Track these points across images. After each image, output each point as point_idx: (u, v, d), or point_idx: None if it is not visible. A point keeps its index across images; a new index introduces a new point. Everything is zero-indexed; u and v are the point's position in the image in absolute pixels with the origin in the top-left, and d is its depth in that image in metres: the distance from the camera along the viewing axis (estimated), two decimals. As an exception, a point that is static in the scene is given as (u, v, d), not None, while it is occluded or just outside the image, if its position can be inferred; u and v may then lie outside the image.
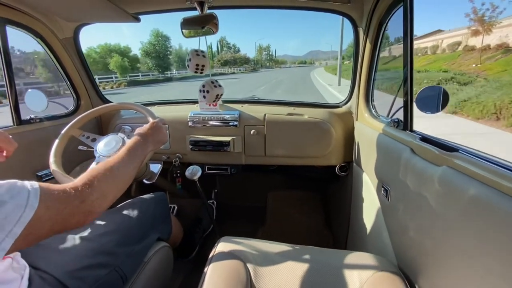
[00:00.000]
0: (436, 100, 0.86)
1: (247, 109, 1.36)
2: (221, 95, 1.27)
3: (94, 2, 0.89)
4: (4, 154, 0.78)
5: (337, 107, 1.35)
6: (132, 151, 0.69)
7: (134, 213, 0.99)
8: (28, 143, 1.10)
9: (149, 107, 1.11)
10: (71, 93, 1.37)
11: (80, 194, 0.50)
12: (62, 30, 1.21)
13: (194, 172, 1.05)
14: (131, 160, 0.67)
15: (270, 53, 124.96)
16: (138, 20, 1.04)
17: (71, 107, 1.38)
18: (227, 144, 1.30)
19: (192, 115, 1.34)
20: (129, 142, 0.74)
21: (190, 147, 1.33)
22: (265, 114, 1.30)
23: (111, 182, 0.58)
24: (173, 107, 1.47)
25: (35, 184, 0.44)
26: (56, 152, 0.96)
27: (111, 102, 1.51)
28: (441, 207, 0.59)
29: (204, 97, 1.23)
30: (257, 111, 1.34)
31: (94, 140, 1.05)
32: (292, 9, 1.18)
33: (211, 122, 1.33)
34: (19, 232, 0.39)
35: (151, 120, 0.98)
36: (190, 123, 1.34)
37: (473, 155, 0.55)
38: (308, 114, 1.29)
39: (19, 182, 0.43)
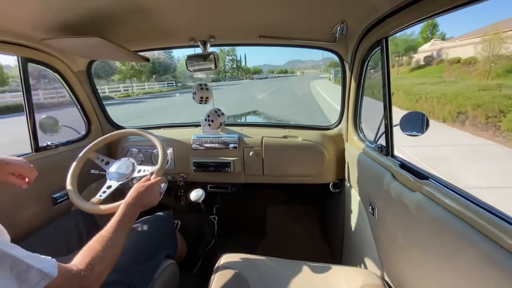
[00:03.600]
0: (420, 123, 0.97)
1: (246, 131, 1.47)
2: (224, 121, 1.40)
3: (105, 44, 1.00)
4: (26, 181, 0.88)
5: (329, 129, 1.47)
6: (123, 223, 0.74)
7: (143, 231, 1.08)
8: (44, 168, 1.20)
9: (154, 131, 1.21)
10: (83, 118, 1.48)
11: (81, 279, 0.57)
12: (76, 65, 1.33)
13: (198, 195, 1.14)
14: (122, 233, 0.73)
15: (237, 59, 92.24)
16: (147, 60, 1.16)
17: (83, 132, 1.49)
18: (228, 165, 1.41)
19: (195, 138, 1.45)
20: (120, 212, 0.77)
21: (194, 168, 1.44)
22: (262, 137, 1.41)
23: (108, 261, 0.64)
24: (177, 130, 1.58)
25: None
26: (73, 174, 1.06)
27: (120, 126, 1.62)
28: (416, 227, 0.69)
29: (209, 125, 1.36)
30: (255, 133, 1.45)
31: (107, 163, 1.15)
32: (287, 46, 1.32)
33: (213, 145, 1.43)
34: None
35: (160, 149, 1.08)
36: (193, 146, 1.44)
37: (441, 184, 0.66)
38: (302, 136, 1.40)
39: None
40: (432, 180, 0.70)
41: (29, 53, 1.12)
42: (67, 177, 1.05)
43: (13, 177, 0.85)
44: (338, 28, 1.01)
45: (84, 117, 1.47)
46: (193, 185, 1.51)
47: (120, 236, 0.72)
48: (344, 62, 1.23)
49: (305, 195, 1.86)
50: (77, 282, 0.56)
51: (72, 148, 1.35)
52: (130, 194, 0.84)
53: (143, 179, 0.95)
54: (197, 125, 1.57)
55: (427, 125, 0.95)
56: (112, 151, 1.58)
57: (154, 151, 1.48)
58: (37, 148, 1.20)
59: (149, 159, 1.49)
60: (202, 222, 1.72)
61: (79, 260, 0.61)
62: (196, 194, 1.14)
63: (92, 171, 1.16)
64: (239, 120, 2.30)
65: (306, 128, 1.50)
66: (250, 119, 2.63)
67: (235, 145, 1.41)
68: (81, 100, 1.42)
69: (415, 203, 0.69)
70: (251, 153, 1.39)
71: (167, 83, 35.22)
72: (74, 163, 1.09)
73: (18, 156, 0.95)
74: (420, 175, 0.75)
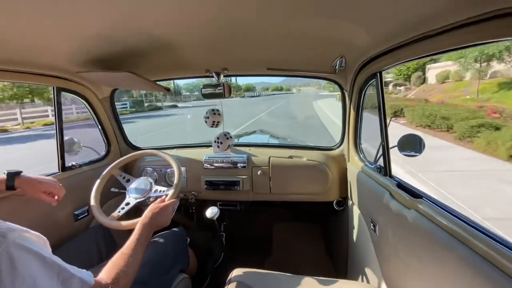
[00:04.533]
0: (418, 144, 1.06)
1: (254, 151, 1.58)
2: (232, 144, 1.52)
3: (132, 77, 1.12)
4: (56, 198, 0.98)
5: (332, 149, 1.57)
6: (140, 242, 0.82)
7: (160, 247, 1.16)
8: (69, 186, 1.30)
9: (168, 151, 1.31)
10: (103, 139, 1.60)
11: None
12: (101, 92, 1.48)
13: (213, 212, 1.23)
14: (140, 250, 0.81)
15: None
16: (168, 90, 1.29)
17: (103, 152, 1.60)
18: (237, 183, 1.50)
19: (206, 158, 1.55)
20: (137, 232, 0.85)
21: (205, 186, 1.53)
22: (269, 157, 1.51)
23: (130, 275, 0.73)
24: (189, 150, 1.69)
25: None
26: (97, 190, 1.16)
27: (136, 147, 1.74)
28: (414, 242, 0.77)
29: (218, 147, 1.48)
30: (263, 153, 1.55)
31: (128, 180, 1.25)
32: (292, 76, 1.46)
33: (223, 164, 1.54)
34: None
35: (176, 173, 1.18)
36: (205, 165, 1.55)
37: (433, 203, 0.75)
38: (306, 156, 1.50)
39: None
40: (425, 199, 0.78)
41: (63, 84, 1.26)
42: (92, 193, 1.15)
43: (45, 195, 0.95)
44: (338, 62, 1.14)
45: (104, 139, 1.60)
46: (204, 203, 1.60)
47: (139, 253, 0.80)
48: (344, 90, 1.35)
49: (310, 212, 1.93)
50: None
51: (94, 168, 1.46)
52: (146, 214, 0.92)
53: (158, 200, 1.04)
54: (208, 145, 1.68)
55: (423, 146, 1.05)
56: (128, 168, 1.69)
57: (168, 170, 1.58)
58: (63, 167, 1.32)
59: (163, 178, 1.59)
60: (211, 239, 1.78)
61: (105, 275, 0.68)
62: (211, 212, 1.23)
63: (112, 189, 1.26)
64: (244, 138, 2.41)
65: (310, 148, 1.61)
66: (256, 137, 2.75)
67: (244, 165, 1.51)
68: (103, 123, 1.55)
69: (411, 220, 0.77)
70: (259, 172, 1.49)
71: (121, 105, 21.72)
72: (98, 181, 1.19)
73: (47, 176, 1.06)
74: (415, 194, 0.84)
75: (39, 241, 0.62)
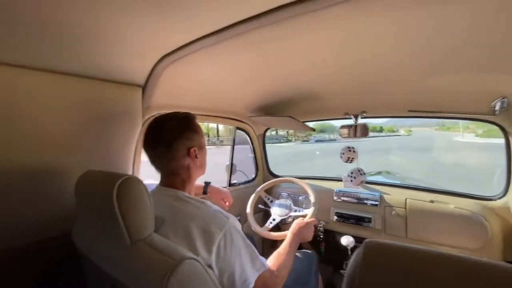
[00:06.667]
0: None
1: (387, 190, 1.57)
2: (365, 180, 1.59)
3: (289, 120, 1.47)
4: (227, 204, 1.36)
5: (490, 199, 1.33)
6: (291, 248, 0.96)
7: (302, 260, 1.33)
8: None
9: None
10: (255, 166, 2.06)
11: (276, 277, 0.81)
12: (258, 130, 1.96)
13: (349, 241, 1.32)
14: (291, 255, 0.94)
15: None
16: (314, 130, 1.58)
17: (253, 175, 2.06)
18: (368, 220, 1.53)
19: (337, 191, 1.68)
20: (289, 239, 1.01)
21: (335, 217, 1.64)
22: (406, 198, 1.46)
23: (287, 270, 0.88)
24: (321, 182, 1.88)
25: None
26: (252, 202, 1.50)
27: (275, 174, 2.11)
28: None
29: (351, 181, 1.59)
30: (397, 193, 1.52)
31: (271, 201, 1.56)
32: (443, 118, 1.43)
33: (353, 199, 1.61)
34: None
35: (312, 196, 1.38)
36: (335, 197, 1.68)
37: None
38: (454, 203, 1.34)
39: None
40: None
41: (238, 124, 1.80)
42: (248, 204, 1.50)
43: (222, 201, 1.36)
44: (498, 103, 1.05)
45: (255, 166, 2.06)
46: (331, 233, 1.70)
47: (291, 256, 0.97)
48: (507, 132, 1.18)
49: None
50: (274, 278, 0.83)
51: (246, 187, 1.91)
52: (294, 226, 1.12)
53: (300, 218, 1.25)
54: (338, 180, 1.81)
55: None
56: (267, 192, 2.06)
57: (300, 197, 1.81)
58: (229, 183, 1.81)
59: (297, 204, 1.84)
60: (334, 269, 1.81)
61: (272, 262, 0.89)
62: (347, 240, 1.33)
63: (259, 205, 1.60)
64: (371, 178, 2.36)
65: (458, 195, 1.43)
66: (381, 178, 2.62)
67: (376, 203, 1.53)
68: (256, 153, 2.02)
69: None
70: (393, 213, 1.46)
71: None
72: (254, 195, 1.55)
73: (223, 187, 1.51)
74: None
75: None
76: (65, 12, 0.54)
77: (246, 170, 2.10)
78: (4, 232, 0.74)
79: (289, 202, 1.51)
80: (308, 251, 1.45)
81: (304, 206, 1.67)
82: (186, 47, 0.81)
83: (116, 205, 0.52)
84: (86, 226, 0.69)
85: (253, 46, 0.76)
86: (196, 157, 0.82)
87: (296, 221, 1.17)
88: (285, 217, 1.45)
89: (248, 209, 1.50)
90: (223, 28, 0.66)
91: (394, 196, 1.51)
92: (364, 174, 1.59)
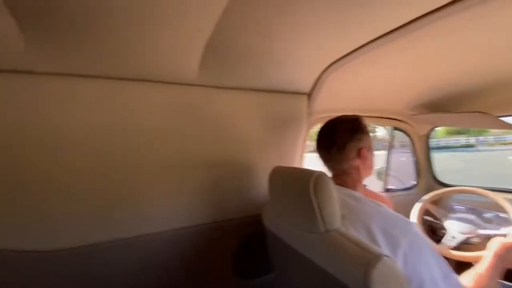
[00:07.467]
0: None
1: None
2: None
3: (483, 116, 1.14)
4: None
5: None
6: (494, 272, 0.77)
7: None
8: None
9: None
10: (415, 171, 1.77)
11: None
12: (421, 130, 1.68)
13: None
14: (494, 279, 0.75)
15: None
16: None
17: (413, 181, 1.78)
18: None
19: None
20: (492, 261, 0.80)
21: None
22: None
23: None
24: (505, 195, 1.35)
25: None
26: (420, 212, 1.31)
27: (443, 183, 1.72)
28: None
29: None
30: None
31: (443, 214, 1.28)
32: None
33: None
34: None
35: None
36: None
37: None
38: None
39: None
40: None
41: (397, 124, 1.61)
42: (413, 214, 1.30)
43: None
44: None
45: (416, 170, 1.77)
46: None
47: (495, 284, 0.77)
48: None
49: None
50: None
51: (403, 194, 1.67)
52: (499, 246, 0.86)
53: (502, 239, 0.93)
54: None
55: None
56: (433, 203, 1.71)
57: (485, 215, 1.35)
58: (386, 189, 1.66)
59: (483, 221, 1.40)
60: None
61: (469, 285, 0.71)
62: None
63: (425, 217, 1.35)
64: None
65: None
66: None
67: None
68: (418, 156, 1.73)
69: None
70: None
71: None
72: (420, 204, 1.33)
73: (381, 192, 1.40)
74: None
75: None
76: (255, 41, 0.72)
77: (398, 175, 1.84)
78: (214, 209, 1.04)
79: (472, 217, 1.19)
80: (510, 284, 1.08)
81: (496, 224, 1.26)
82: (350, 54, 0.85)
83: (313, 197, 0.61)
84: (278, 210, 0.85)
85: (419, 44, 0.73)
86: (365, 158, 0.82)
87: (498, 240, 0.91)
88: (472, 236, 1.15)
89: (414, 220, 1.31)
90: (388, 32, 0.66)
91: None
92: None
